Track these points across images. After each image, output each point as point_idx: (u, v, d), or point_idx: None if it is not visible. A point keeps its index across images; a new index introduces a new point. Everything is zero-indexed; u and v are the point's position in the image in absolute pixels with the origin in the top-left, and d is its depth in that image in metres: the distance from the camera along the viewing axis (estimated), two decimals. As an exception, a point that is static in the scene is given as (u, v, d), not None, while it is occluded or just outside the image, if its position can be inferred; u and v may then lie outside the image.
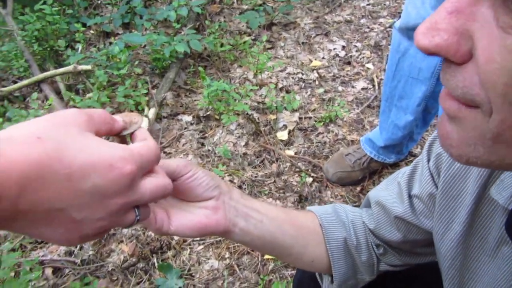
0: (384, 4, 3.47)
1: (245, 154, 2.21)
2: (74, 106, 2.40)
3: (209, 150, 2.23)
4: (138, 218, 0.52)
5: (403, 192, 0.78)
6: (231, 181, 2.08)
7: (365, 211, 0.87)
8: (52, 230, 0.45)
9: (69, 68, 2.42)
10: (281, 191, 2.02)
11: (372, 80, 2.68)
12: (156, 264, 1.77)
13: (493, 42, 0.33)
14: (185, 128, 2.37)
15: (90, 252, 1.81)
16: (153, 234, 1.86)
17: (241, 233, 0.70)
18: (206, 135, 2.33)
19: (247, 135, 2.30)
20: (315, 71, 2.77)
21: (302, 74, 2.75)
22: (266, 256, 1.75)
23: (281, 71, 2.78)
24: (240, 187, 2.04)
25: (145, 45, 2.78)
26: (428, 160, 0.74)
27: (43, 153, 0.41)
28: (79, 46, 2.74)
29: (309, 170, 2.12)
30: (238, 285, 1.68)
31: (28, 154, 0.40)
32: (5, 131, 0.43)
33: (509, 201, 0.57)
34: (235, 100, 2.30)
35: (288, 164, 2.15)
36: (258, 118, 2.39)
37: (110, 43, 2.91)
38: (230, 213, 0.68)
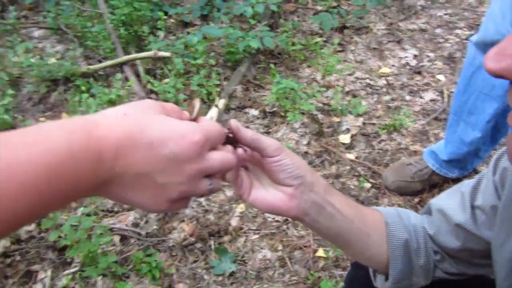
0: (463, 15, 3.39)
1: (306, 153, 2.28)
2: (152, 90, 2.57)
3: (272, 145, 2.31)
4: (211, 187, 0.61)
5: (466, 202, 0.80)
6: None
7: (425, 217, 0.90)
8: (142, 194, 0.55)
9: (150, 53, 2.59)
10: (338, 193, 2.07)
11: (441, 92, 2.65)
12: (212, 247, 1.88)
13: None
14: (251, 122, 2.47)
15: (154, 226, 1.95)
16: (212, 218, 1.98)
17: (311, 222, 0.76)
18: (270, 130, 2.41)
19: (310, 134, 2.37)
20: (383, 78, 2.78)
21: (370, 79, 2.77)
22: (318, 254, 1.82)
23: (349, 75, 2.81)
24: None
25: (220, 38, 2.90)
26: (494, 174, 0.76)
27: (128, 125, 0.51)
28: (161, 33, 2.90)
29: (368, 175, 2.15)
30: (288, 277, 1.76)
31: (119, 125, 0.51)
32: (99, 112, 0.54)
33: None
34: (302, 99, 2.37)
35: (347, 167, 2.19)
36: (322, 119, 2.45)
37: (188, 33, 3.06)
38: (306, 203, 0.74)
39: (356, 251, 0.85)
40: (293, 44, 2.93)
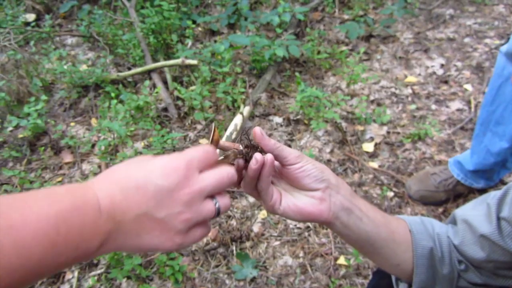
0: (492, 24, 3.34)
1: (329, 160, 2.28)
2: (178, 97, 2.62)
3: (295, 152, 2.33)
4: (217, 206, 0.63)
5: (492, 213, 0.80)
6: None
7: (450, 227, 0.90)
8: (150, 237, 0.58)
9: (178, 61, 2.65)
10: (361, 201, 2.07)
11: (468, 102, 2.61)
12: (234, 252, 1.90)
13: None
14: (275, 129, 2.49)
15: (178, 231, 1.98)
16: (235, 223, 2.00)
17: (341, 226, 0.77)
18: (294, 137, 2.43)
19: (333, 142, 2.37)
20: (409, 87, 2.76)
21: (396, 88, 2.75)
22: (339, 261, 1.82)
23: (375, 83, 2.80)
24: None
25: (246, 46, 2.94)
26: None
27: (116, 177, 0.58)
28: (189, 42, 2.97)
29: (391, 184, 2.14)
30: (309, 284, 1.77)
31: (108, 179, 0.58)
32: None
33: None
34: (326, 107, 2.38)
35: (370, 176, 2.19)
36: (345, 127, 2.45)
37: (215, 41, 3.12)
38: (335, 206, 0.75)
39: (383, 258, 0.85)
40: (319, 52, 2.95)
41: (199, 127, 2.50)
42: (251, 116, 2.55)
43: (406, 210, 2.03)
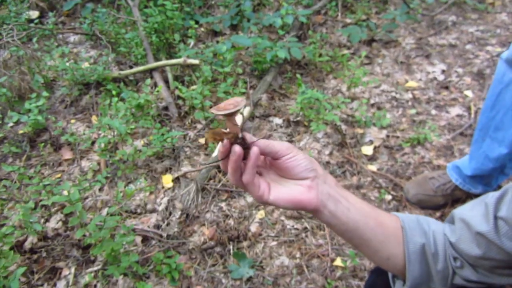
0: (495, 32, 3.35)
1: (328, 162, 2.28)
2: (179, 96, 2.63)
3: (294, 154, 2.33)
4: None
5: (490, 212, 0.81)
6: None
7: (447, 225, 0.91)
8: None
9: (180, 60, 2.65)
10: (359, 204, 2.07)
11: (469, 108, 2.62)
12: (231, 251, 1.91)
13: None
14: (275, 130, 2.50)
15: (175, 229, 1.99)
16: (232, 223, 2.01)
17: (329, 215, 0.80)
18: (294, 139, 2.44)
19: (333, 145, 2.38)
20: (409, 92, 2.77)
21: (396, 93, 2.76)
22: (336, 263, 1.82)
23: (375, 87, 2.81)
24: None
25: (248, 47, 2.95)
26: None
27: None
28: (192, 41, 2.97)
29: (389, 188, 2.15)
30: (305, 285, 1.77)
31: None
32: None
33: None
34: (326, 109, 2.38)
35: (369, 178, 2.19)
36: (345, 130, 2.46)
37: (217, 42, 3.13)
38: (323, 195, 0.78)
39: (373, 251, 0.87)
40: (320, 55, 2.96)
41: (199, 126, 2.51)
42: (251, 117, 2.55)
43: (404, 213, 2.03)
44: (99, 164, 2.33)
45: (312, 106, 2.41)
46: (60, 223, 2.03)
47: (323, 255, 1.86)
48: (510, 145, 1.76)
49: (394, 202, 2.08)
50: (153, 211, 2.08)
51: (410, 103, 2.68)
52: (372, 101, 2.69)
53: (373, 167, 2.25)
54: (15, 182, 2.21)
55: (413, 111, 2.60)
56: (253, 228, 1.98)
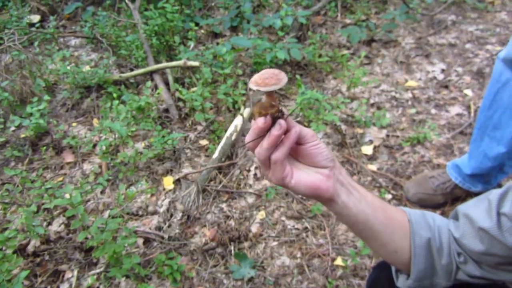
0: (494, 31, 3.35)
1: (328, 163, 2.29)
2: (179, 98, 2.64)
3: (294, 154, 2.34)
4: None
5: (493, 208, 0.82)
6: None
7: (452, 221, 0.92)
8: None
9: (180, 62, 2.67)
10: (359, 203, 2.08)
11: (468, 107, 2.62)
12: (232, 252, 1.92)
13: None
14: (275, 131, 2.50)
15: (177, 230, 2.00)
16: (233, 224, 2.02)
17: (342, 205, 0.82)
18: (294, 140, 2.44)
19: (333, 144, 2.39)
20: (409, 91, 2.77)
21: (396, 92, 2.77)
22: (336, 262, 1.83)
23: (375, 87, 2.82)
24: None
25: (248, 49, 2.96)
26: None
27: None
28: (192, 43, 2.99)
29: (390, 187, 2.15)
30: (306, 284, 1.77)
31: None
32: None
33: None
34: (326, 110, 2.39)
35: (369, 178, 2.20)
36: (345, 130, 2.46)
37: (217, 43, 3.14)
38: (337, 185, 0.80)
39: (381, 244, 0.88)
40: (320, 56, 2.97)
41: (199, 128, 2.52)
42: (251, 118, 2.56)
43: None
44: (100, 166, 2.34)
45: (312, 106, 2.42)
46: (62, 226, 2.05)
47: (324, 254, 1.87)
48: (508, 143, 1.77)
49: (394, 201, 2.08)
50: (155, 213, 2.09)
51: (410, 103, 2.69)
52: (371, 101, 2.70)
53: (373, 167, 2.26)
54: (18, 185, 2.23)
55: (413, 111, 2.61)
56: (254, 228, 1.99)
